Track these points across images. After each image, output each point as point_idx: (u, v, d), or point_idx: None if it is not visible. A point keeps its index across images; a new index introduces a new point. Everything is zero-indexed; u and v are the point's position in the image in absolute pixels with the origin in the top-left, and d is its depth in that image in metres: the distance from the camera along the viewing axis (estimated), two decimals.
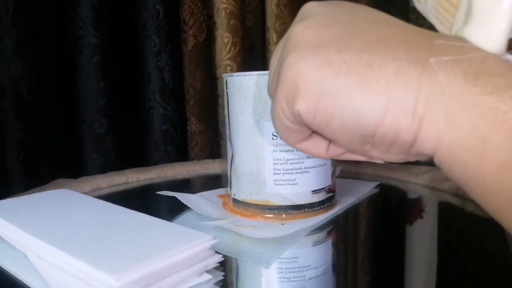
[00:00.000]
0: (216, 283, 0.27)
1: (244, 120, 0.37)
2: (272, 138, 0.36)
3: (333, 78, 0.19)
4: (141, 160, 0.68)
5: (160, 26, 0.65)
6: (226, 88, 0.38)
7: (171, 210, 0.42)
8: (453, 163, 0.17)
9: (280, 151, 0.36)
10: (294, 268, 0.30)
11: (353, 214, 0.42)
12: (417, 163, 0.50)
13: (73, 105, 0.62)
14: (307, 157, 0.36)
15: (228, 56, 0.73)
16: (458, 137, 0.16)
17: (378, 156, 0.21)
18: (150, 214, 0.32)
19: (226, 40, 0.72)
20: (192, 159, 0.71)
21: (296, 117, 0.21)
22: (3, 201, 0.36)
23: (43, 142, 0.58)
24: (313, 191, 0.37)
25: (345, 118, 0.19)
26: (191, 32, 0.69)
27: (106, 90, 0.62)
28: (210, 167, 0.62)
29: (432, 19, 0.22)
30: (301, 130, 0.22)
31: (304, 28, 0.21)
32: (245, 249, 0.33)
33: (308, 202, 0.37)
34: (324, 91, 0.19)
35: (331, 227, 0.37)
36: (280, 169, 0.36)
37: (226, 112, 0.39)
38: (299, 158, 0.36)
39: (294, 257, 0.31)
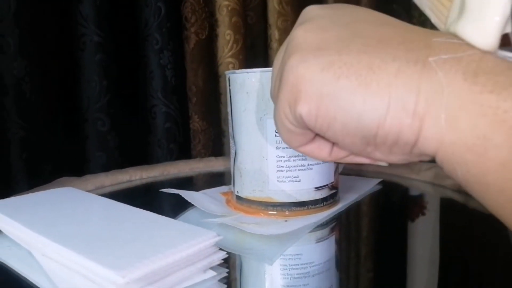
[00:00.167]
0: (220, 280, 0.27)
1: (247, 118, 0.37)
2: (275, 135, 0.36)
3: (334, 80, 0.19)
4: (144, 158, 0.68)
5: (162, 23, 0.65)
6: (229, 85, 0.38)
7: (175, 208, 0.42)
8: (455, 162, 0.17)
9: (283, 148, 0.36)
10: (298, 264, 0.30)
11: (356, 211, 0.42)
12: None
13: (76, 104, 0.62)
14: None
15: (230, 53, 0.73)
16: (458, 136, 0.16)
17: (381, 157, 0.21)
18: (154, 212, 0.32)
19: (228, 37, 0.72)
20: (195, 157, 0.71)
21: (299, 120, 0.21)
22: (7, 199, 0.37)
23: (46, 141, 0.58)
24: (316, 188, 0.37)
25: (346, 119, 0.19)
26: (193, 29, 0.69)
27: (108, 88, 0.62)
28: (213, 164, 0.62)
29: (428, 11, 0.22)
30: (304, 133, 0.22)
31: (305, 31, 0.21)
32: (248, 246, 0.33)
33: (311, 199, 0.37)
34: (325, 93, 0.19)
35: (334, 223, 0.37)
36: (283, 166, 0.36)
37: (228, 109, 0.39)
38: (302, 155, 0.36)
39: (298, 254, 0.31)
